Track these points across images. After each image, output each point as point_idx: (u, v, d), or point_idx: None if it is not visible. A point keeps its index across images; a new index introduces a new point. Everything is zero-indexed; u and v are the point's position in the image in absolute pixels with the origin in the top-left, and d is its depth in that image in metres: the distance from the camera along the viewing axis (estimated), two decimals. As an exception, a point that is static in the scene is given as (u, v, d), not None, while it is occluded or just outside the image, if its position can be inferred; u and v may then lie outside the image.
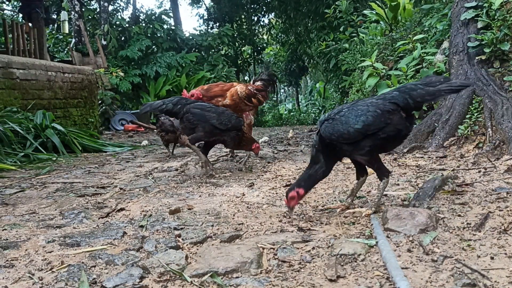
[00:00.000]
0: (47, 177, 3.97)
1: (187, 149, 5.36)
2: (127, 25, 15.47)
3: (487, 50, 4.07)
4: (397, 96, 2.10)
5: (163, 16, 16.52)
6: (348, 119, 2.10)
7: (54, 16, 17.12)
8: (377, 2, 8.24)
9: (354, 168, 3.69)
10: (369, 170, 3.47)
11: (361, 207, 2.37)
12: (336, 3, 9.99)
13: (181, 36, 15.96)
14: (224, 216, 2.35)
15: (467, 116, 3.94)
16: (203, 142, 3.84)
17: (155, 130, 5.48)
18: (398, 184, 2.89)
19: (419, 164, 3.51)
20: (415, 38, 4.72)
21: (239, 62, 21.15)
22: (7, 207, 2.75)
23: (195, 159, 4.82)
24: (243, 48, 22.03)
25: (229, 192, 3.00)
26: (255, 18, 21.36)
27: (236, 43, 20.44)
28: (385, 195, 2.62)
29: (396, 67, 5.07)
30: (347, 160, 4.07)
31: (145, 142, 7.33)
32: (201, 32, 20.00)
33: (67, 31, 15.40)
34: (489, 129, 3.66)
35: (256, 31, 22.08)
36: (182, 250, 1.83)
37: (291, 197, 2.14)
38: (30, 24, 10.45)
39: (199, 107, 3.71)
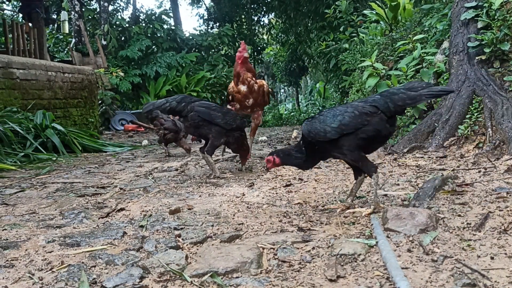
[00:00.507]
0: (47, 177, 3.97)
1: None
2: (127, 25, 15.47)
3: (487, 50, 4.07)
4: (379, 99, 2.20)
5: (163, 16, 16.53)
6: (326, 118, 2.22)
7: (54, 16, 17.12)
8: (377, 2, 8.23)
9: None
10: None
11: (361, 207, 2.37)
12: (336, 3, 9.97)
13: (181, 36, 15.96)
14: (224, 216, 2.35)
15: (467, 116, 3.93)
16: (204, 141, 3.81)
17: (154, 128, 5.48)
18: (398, 184, 2.89)
19: (419, 164, 3.50)
20: (415, 38, 4.72)
21: (239, 62, 21.12)
22: (7, 207, 2.75)
23: (195, 159, 4.82)
24: (243, 48, 22.00)
25: (229, 192, 3.00)
26: (255, 18, 21.35)
27: (236, 43, 20.42)
28: (385, 195, 2.62)
29: (396, 67, 5.06)
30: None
31: (145, 142, 7.33)
32: (201, 32, 20.00)
33: (67, 31, 15.41)
34: (489, 129, 3.66)
35: (256, 31, 22.07)
36: (182, 250, 1.83)
37: (267, 160, 2.42)
38: (30, 24, 10.45)
39: (204, 105, 3.65)
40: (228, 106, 4.37)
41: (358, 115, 2.15)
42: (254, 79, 4.22)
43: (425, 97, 2.16)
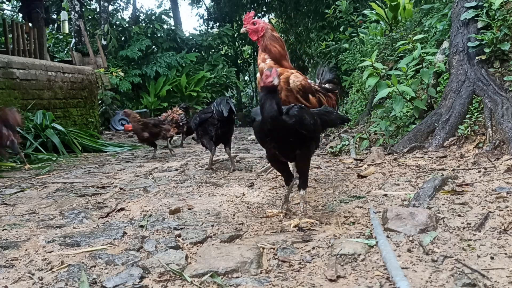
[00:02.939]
0: (47, 177, 3.97)
1: (186, 149, 5.36)
2: (127, 25, 15.48)
3: (487, 50, 4.07)
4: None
5: (163, 16, 16.53)
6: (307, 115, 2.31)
7: (54, 16, 17.11)
8: (377, 2, 8.22)
9: (355, 169, 3.70)
10: (369, 169, 3.47)
11: (361, 207, 2.37)
12: (336, 3, 9.97)
13: (181, 36, 15.96)
14: (224, 216, 2.35)
15: (467, 116, 3.93)
16: (211, 139, 3.91)
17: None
18: (398, 184, 2.89)
19: (419, 164, 3.50)
20: (415, 38, 4.71)
21: (239, 62, 21.17)
22: (7, 207, 2.76)
23: (195, 159, 4.82)
24: (243, 48, 22.02)
25: (229, 192, 3.00)
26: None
27: (236, 43, 20.44)
28: (385, 195, 2.62)
29: (396, 67, 5.06)
30: (347, 160, 4.08)
31: None
32: (201, 32, 20.01)
33: (67, 31, 15.40)
34: (489, 129, 3.65)
35: (256, 31, 22.04)
36: (182, 250, 1.83)
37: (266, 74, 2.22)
38: (30, 24, 10.43)
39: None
40: None
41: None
42: (277, 64, 2.90)
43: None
